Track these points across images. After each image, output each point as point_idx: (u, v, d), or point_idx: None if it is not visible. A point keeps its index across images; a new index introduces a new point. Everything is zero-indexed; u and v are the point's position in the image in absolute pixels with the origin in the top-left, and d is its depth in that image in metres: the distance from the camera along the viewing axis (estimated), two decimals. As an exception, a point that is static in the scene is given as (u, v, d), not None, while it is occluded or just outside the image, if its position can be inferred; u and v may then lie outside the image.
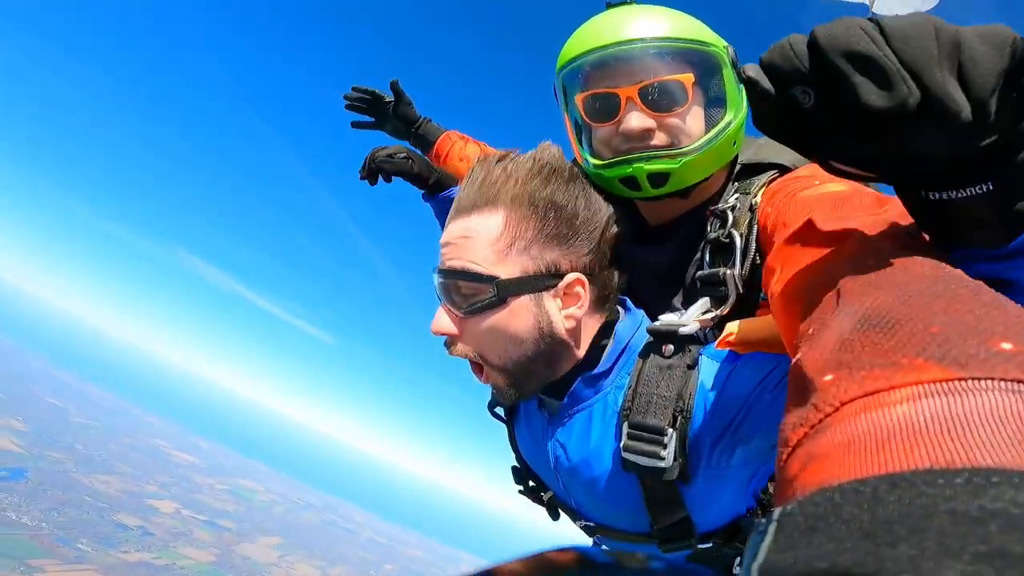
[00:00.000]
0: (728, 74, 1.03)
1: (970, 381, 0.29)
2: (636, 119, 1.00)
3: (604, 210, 0.99)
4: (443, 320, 0.96)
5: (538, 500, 1.23)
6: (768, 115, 0.47)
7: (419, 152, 1.56)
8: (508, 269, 0.92)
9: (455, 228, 0.96)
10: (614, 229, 1.01)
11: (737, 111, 1.04)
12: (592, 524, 1.11)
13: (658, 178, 1.00)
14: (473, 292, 0.93)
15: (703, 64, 1.02)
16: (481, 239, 0.92)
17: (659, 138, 1.01)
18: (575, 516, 1.16)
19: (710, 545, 1.03)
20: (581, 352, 0.99)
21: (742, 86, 1.00)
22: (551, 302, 0.94)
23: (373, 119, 1.68)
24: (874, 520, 0.22)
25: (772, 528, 0.25)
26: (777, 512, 0.26)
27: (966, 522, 0.20)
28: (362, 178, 1.45)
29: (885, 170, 0.47)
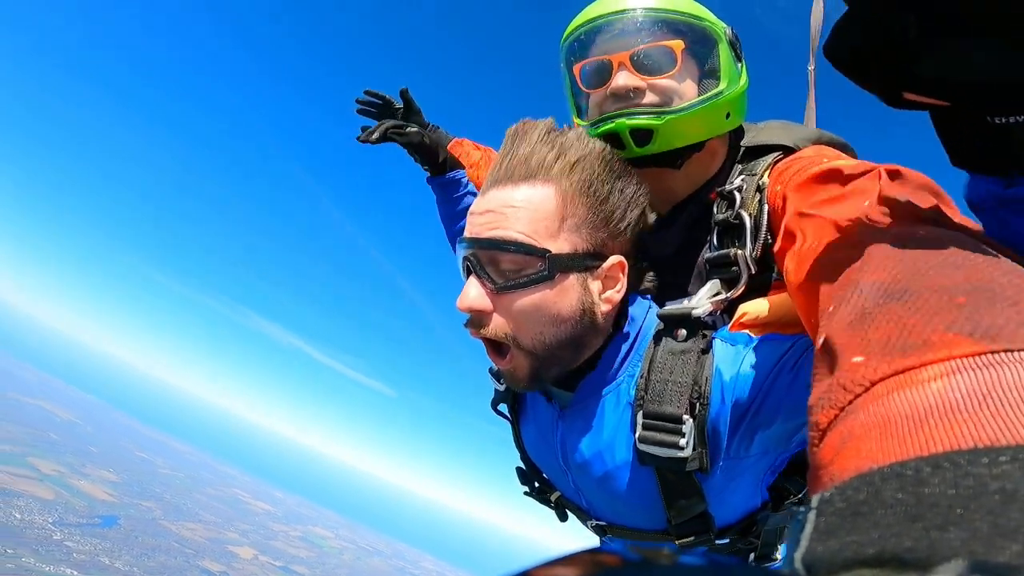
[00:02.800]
0: (724, 50, 1.04)
1: (1003, 354, 0.28)
2: (623, 78, 1.01)
3: (644, 195, 0.97)
4: (475, 294, 0.89)
5: (545, 501, 1.19)
6: (853, 39, 0.45)
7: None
8: (559, 245, 0.88)
9: (497, 196, 0.90)
10: (650, 214, 1.00)
11: (731, 84, 1.03)
12: (603, 523, 1.07)
13: (641, 134, 0.98)
14: (518, 265, 0.88)
15: (695, 35, 1.03)
16: (532, 211, 0.88)
17: (649, 98, 1.01)
18: (585, 516, 1.12)
19: (727, 541, 1.00)
20: (603, 339, 0.95)
21: (740, 64, 1.03)
22: (594, 283, 0.91)
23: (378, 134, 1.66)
24: (920, 503, 0.21)
25: (812, 515, 0.24)
26: (815, 499, 0.25)
27: (1017, 501, 0.20)
28: (363, 139, 1.45)
29: (957, 96, 0.46)
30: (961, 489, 0.21)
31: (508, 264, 0.88)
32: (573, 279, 0.88)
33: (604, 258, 0.91)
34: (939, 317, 0.32)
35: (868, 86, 0.48)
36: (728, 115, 1.04)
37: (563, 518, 1.20)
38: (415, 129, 1.47)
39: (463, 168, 1.53)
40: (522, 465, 1.20)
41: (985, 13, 0.39)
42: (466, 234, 0.92)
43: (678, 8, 1.03)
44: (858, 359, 0.33)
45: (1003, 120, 0.45)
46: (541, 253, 0.86)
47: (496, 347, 0.92)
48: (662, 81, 1.01)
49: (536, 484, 1.19)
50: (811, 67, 1.22)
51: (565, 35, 1.11)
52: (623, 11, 1.03)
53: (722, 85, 1.03)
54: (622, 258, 0.92)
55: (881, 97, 0.49)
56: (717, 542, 0.99)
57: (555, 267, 0.86)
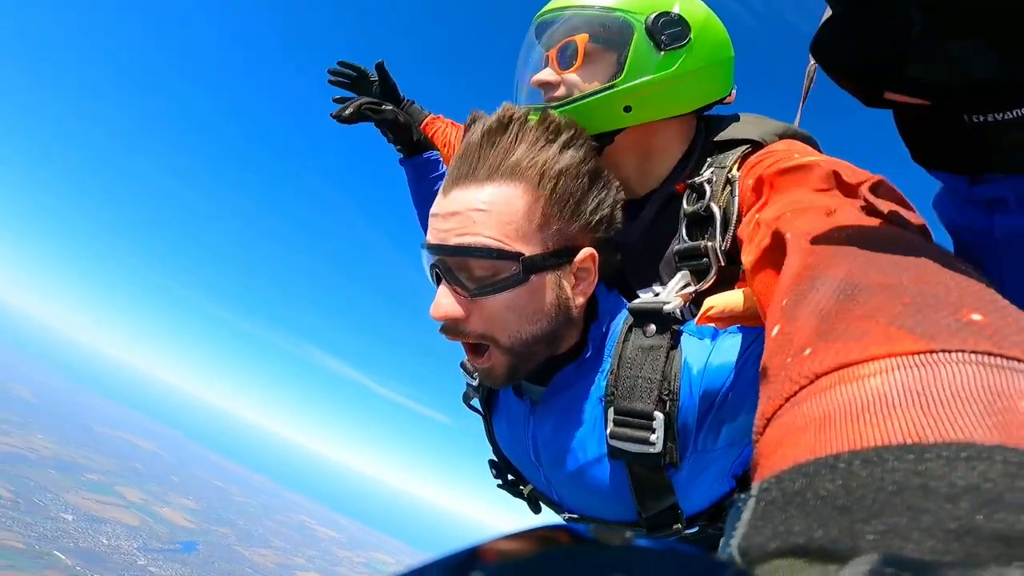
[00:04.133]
0: (638, 41, 1.02)
1: (941, 353, 0.28)
2: (541, 72, 1.05)
3: (613, 183, 0.95)
4: (447, 303, 0.87)
5: (518, 494, 1.20)
6: (845, 37, 0.45)
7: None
8: (530, 246, 0.85)
9: (462, 198, 0.86)
10: (620, 205, 0.97)
11: (633, 76, 1.01)
12: (576, 516, 1.08)
13: None
14: (491, 271, 0.85)
15: (605, 28, 1.03)
16: (500, 212, 0.85)
17: (560, 91, 1.04)
18: (558, 509, 1.12)
19: (696, 529, 1.02)
20: (577, 333, 0.94)
21: (662, 53, 1.02)
22: (568, 278, 0.89)
23: (355, 96, 1.56)
24: (849, 495, 0.22)
25: (750, 503, 0.25)
26: (755, 488, 0.26)
27: (938, 498, 0.20)
28: (336, 115, 1.40)
29: (941, 96, 0.46)
30: (887, 484, 0.22)
31: (480, 270, 0.85)
32: (547, 276, 0.87)
33: (576, 252, 0.89)
34: (884, 314, 0.33)
35: (850, 85, 0.48)
36: (628, 108, 1.02)
37: (536, 511, 1.21)
38: (390, 107, 1.42)
39: (436, 150, 1.49)
40: (495, 458, 1.21)
41: (988, 13, 0.39)
42: (431, 240, 0.89)
43: (602, 3, 1.03)
44: (807, 352, 0.34)
45: (980, 119, 0.46)
46: (514, 257, 0.84)
47: (474, 347, 0.91)
48: (570, 75, 1.03)
49: (509, 477, 1.20)
50: (811, 66, 1.22)
51: (532, 25, 1.15)
52: (558, 8, 1.07)
53: (619, 79, 1.02)
54: (593, 251, 0.90)
55: (860, 97, 0.49)
56: (687, 532, 1.00)
57: (529, 269, 0.85)
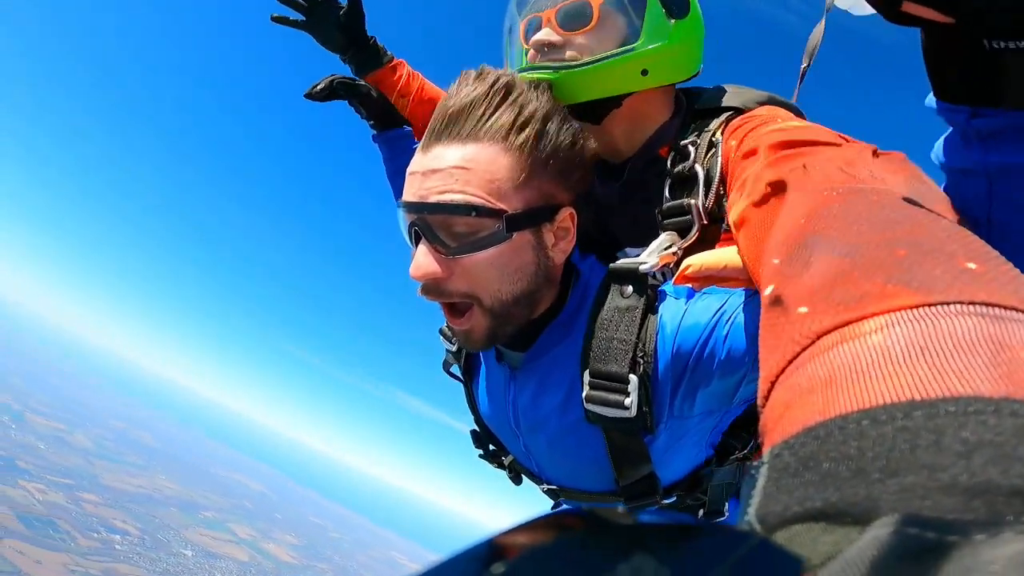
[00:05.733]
0: (653, 5, 1.03)
1: (940, 306, 0.28)
2: (541, 33, 1.03)
3: (588, 139, 0.95)
4: (427, 262, 0.85)
5: (499, 465, 1.19)
6: None
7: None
8: (513, 202, 0.85)
9: (444, 154, 0.85)
10: (592, 161, 0.98)
11: (651, 40, 1.02)
12: (555, 487, 1.07)
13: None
14: (473, 228, 0.84)
15: None
16: (484, 170, 0.84)
17: (568, 53, 1.02)
18: (537, 480, 1.12)
19: (674, 499, 1.02)
20: (554, 293, 0.94)
21: (674, 21, 1.03)
22: (548, 236, 0.89)
23: (304, 18, 1.39)
24: (863, 457, 0.22)
25: (764, 470, 0.25)
26: (767, 454, 0.26)
27: (951, 455, 0.20)
28: (308, 94, 1.29)
29: (961, 12, 0.46)
30: (900, 442, 0.22)
31: (462, 228, 0.84)
32: (528, 234, 0.87)
33: (557, 209, 0.89)
34: (881, 270, 0.33)
35: None
36: (645, 72, 1.02)
37: (517, 482, 1.19)
38: (363, 83, 1.32)
39: (409, 126, 1.38)
40: (476, 428, 1.19)
41: None
42: (410, 197, 0.87)
43: None
44: (804, 310, 0.34)
45: (1000, 45, 0.45)
46: (498, 214, 0.83)
47: (453, 308, 0.90)
48: (579, 37, 1.02)
49: (490, 447, 1.18)
50: (804, 65, 1.20)
51: None
52: None
53: (638, 42, 1.02)
54: (572, 209, 0.91)
55: (879, 7, 0.49)
56: (664, 501, 0.99)
57: (512, 226, 0.84)
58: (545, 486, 1.10)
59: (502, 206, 0.84)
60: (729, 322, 0.80)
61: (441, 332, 1.14)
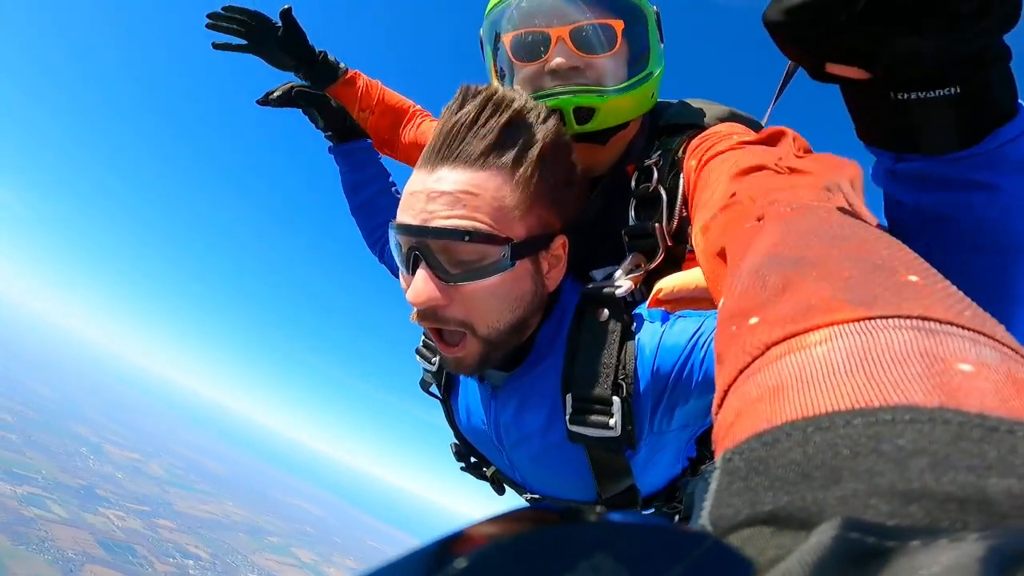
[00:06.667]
0: (652, 30, 1.05)
1: (879, 320, 0.30)
2: (565, 57, 0.99)
3: (578, 166, 0.96)
4: (428, 288, 0.82)
5: (481, 476, 1.20)
6: (804, 8, 0.48)
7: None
8: (517, 230, 0.84)
9: (451, 178, 0.82)
10: (581, 186, 0.97)
11: (658, 65, 1.05)
12: (538, 497, 1.10)
13: (584, 113, 0.98)
14: (478, 256, 0.82)
15: (632, 15, 1.03)
16: (491, 196, 0.82)
17: (586, 78, 1.00)
18: (520, 490, 1.13)
19: (651, 511, 1.04)
20: (539, 318, 0.93)
21: (662, 46, 1.06)
22: (544, 263, 0.89)
23: (246, 43, 1.38)
24: (808, 462, 0.23)
25: (716, 475, 0.25)
26: (719, 459, 0.26)
27: (889, 461, 0.21)
28: (262, 100, 1.27)
29: (883, 65, 0.50)
30: (842, 449, 0.22)
31: (466, 255, 0.82)
32: (528, 262, 0.86)
33: (552, 237, 0.89)
34: (827, 284, 0.34)
35: (799, 56, 0.52)
36: (652, 95, 1.06)
37: (500, 492, 1.20)
38: (320, 92, 1.30)
39: (367, 138, 1.36)
40: (456, 442, 1.19)
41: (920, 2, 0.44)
42: (411, 219, 0.83)
43: None
44: (754, 321, 0.35)
45: (904, 96, 0.51)
46: (504, 242, 0.82)
47: (445, 335, 0.88)
48: (599, 60, 1.00)
49: (472, 460, 1.19)
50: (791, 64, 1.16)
51: (495, 1, 1.08)
52: None
53: (652, 66, 1.04)
54: (564, 237, 0.90)
55: (807, 68, 0.54)
56: (644, 512, 1.02)
57: (516, 254, 0.83)
58: (528, 495, 1.12)
59: (508, 234, 0.83)
60: (705, 346, 0.82)
61: (418, 352, 1.13)
